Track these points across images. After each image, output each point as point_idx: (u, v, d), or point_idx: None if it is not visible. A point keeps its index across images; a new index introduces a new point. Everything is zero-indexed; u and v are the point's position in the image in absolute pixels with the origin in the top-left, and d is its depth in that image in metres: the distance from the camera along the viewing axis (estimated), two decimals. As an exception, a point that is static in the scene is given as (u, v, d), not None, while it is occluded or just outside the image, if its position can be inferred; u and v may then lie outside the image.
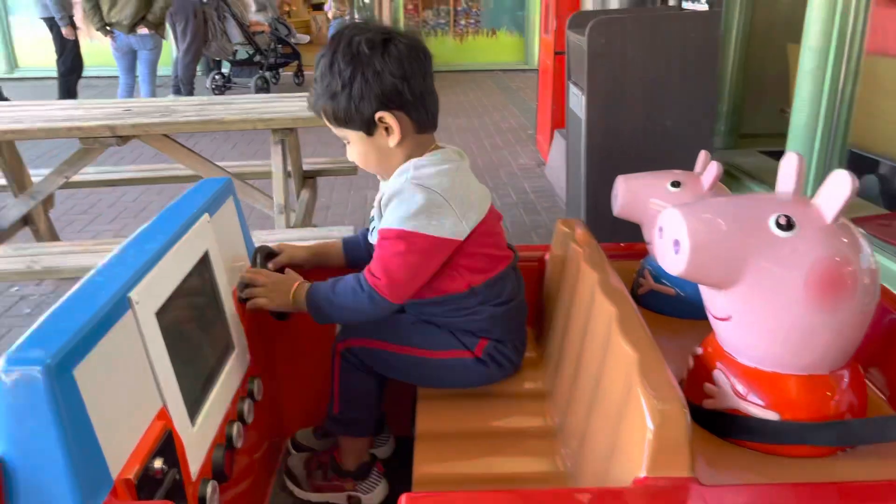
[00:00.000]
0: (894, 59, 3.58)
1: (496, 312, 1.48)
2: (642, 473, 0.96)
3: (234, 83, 8.96)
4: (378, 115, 1.36)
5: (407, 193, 1.37)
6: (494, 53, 10.27)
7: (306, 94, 3.73)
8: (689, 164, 4.01)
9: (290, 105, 3.34)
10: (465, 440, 1.41)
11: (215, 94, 8.30)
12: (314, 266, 1.71)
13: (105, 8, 5.99)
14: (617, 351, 1.11)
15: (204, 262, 1.41)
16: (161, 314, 1.18)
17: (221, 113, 3.18)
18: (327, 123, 1.44)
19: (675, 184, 1.41)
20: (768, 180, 3.88)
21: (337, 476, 1.67)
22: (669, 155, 3.70)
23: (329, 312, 1.47)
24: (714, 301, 1.05)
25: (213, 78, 8.64)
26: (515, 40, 10.30)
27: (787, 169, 1.06)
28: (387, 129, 1.39)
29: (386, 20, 9.85)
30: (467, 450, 1.38)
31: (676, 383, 1.00)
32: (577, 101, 3.93)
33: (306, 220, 3.58)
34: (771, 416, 1.04)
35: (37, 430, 0.90)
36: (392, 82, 1.34)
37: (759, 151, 4.50)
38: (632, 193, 1.42)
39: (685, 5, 4.06)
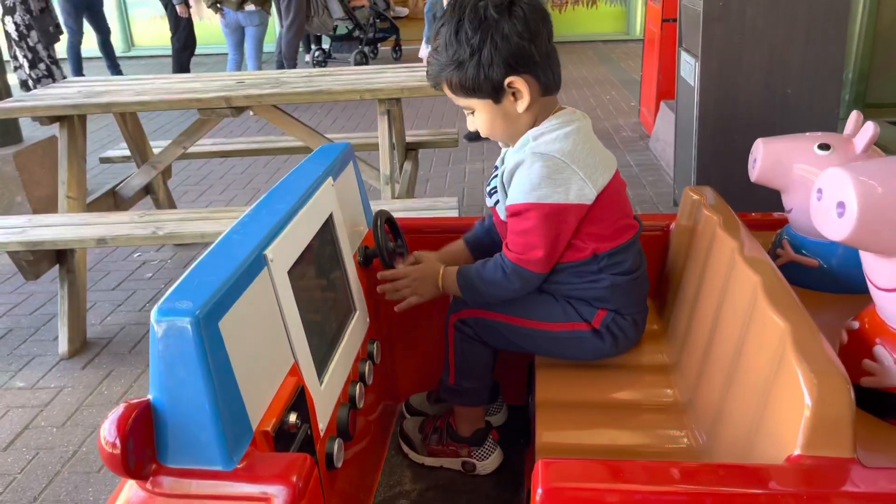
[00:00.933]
0: None
1: (617, 281, 1.43)
2: (797, 451, 0.90)
3: (334, 58, 9.11)
4: (508, 80, 1.33)
5: (527, 164, 1.34)
6: (594, 24, 9.99)
7: (407, 65, 3.73)
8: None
9: (396, 76, 3.34)
10: (587, 410, 1.38)
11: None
12: None
13: (215, -15, 6.19)
14: (764, 321, 1.04)
15: (328, 225, 1.43)
16: (292, 273, 1.20)
17: (329, 84, 3.22)
18: (450, 94, 1.41)
19: (824, 146, 1.31)
20: (900, 152, 3.60)
21: (452, 441, 1.67)
22: (790, 125, 3.50)
23: (483, 294, 1.47)
24: (879, 270, 0.97)
25: (315, 53, 8.82)
26: (616, 10, 9.98)
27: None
28: (514, 94, 1.35)
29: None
30: (590, 420, 1.35)
31: (835, 356, 0.93)
32: (689, 68, 3.76)
33: (409, 192, 3.60)
34: (941, 395, 0.96)
35: (185, 378, 0.93)
36: (520, 44, 1.31)
37: (888, 122, 4.19)
38: (774, 157, 1.33)
39: (811, -35, 3.79)
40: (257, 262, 1.09)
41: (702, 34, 3.41)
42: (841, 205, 0.91)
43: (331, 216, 1.44)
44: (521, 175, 1.35)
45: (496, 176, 1.48)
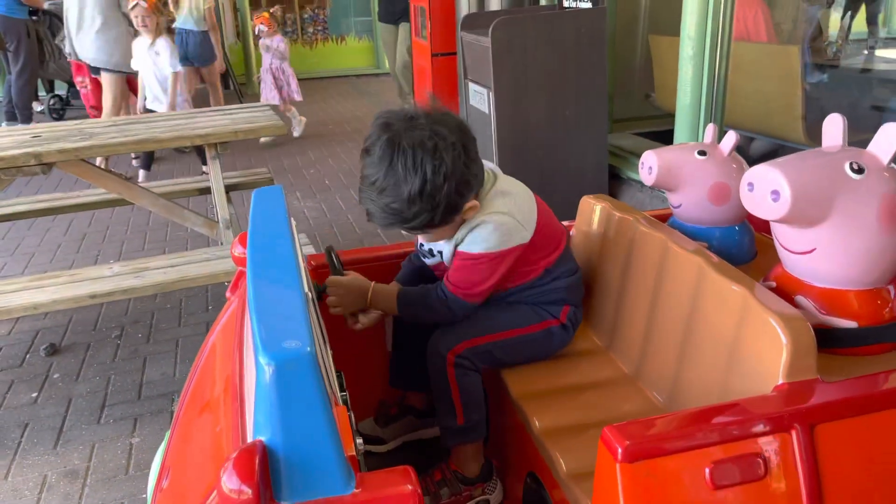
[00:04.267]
0: (754, 44, 4.15)
1: (571, 282, 1.67)
2: (780, 380, 1.18)
3: (72, 105, 8.36)
4: (466, 206, 1.48)
5: (483, 225, 1.51)
6: (345, 59, 10.34)
7: (220, 109, 3.64)
8: (587, 149, 4.27)
9: (218, 119, 3.29)
10: (558, 396, 1.57)
11: (54, 119, 7.73)
12: None
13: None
14: (720, 291, 1.33)
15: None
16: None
17: (151, 132, 3.08)
18: (410, 232, 1.52)
19: (702, 153, 1.67)
20: (653, 158, 4.32)
21: (468, 486, 1.69)
22: (570, 142, 4.03)
23: (421, 317, 1.64)
24: (797, 238, 1.29)
25: (49, 101, 8.03)
26: (364, 45, 10.43)
27: (831, 127, 1.33)
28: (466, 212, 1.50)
29: (229, 32, 9.58)
30: (564, 404, 1.54)
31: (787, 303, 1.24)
32: (480, 98, 4.15)
33: (241, 234, 3.53)
34: (851, 325, 1.30)
35: (305, 412, 0.95)
36: (465, 174, 1.42)
37: (633, 133, 4.99)
38: (667, 164, 1.65)
39: (567, 4, 4.41)
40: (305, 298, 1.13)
41: (492, 67, 3.80)
42: (775, 192, 1.22)
43: None
44: (475, 233, 1.52)
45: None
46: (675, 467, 1.07)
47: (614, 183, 4.33)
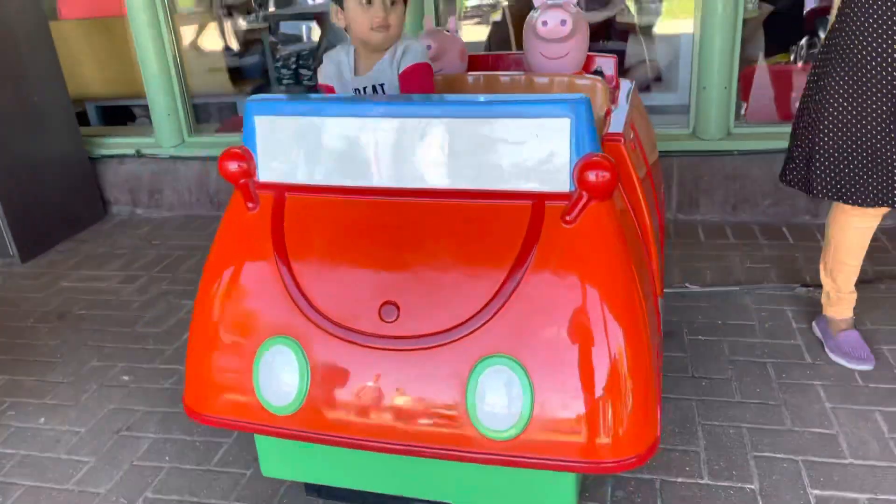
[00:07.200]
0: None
1: None
2: (607, 108, 2.35)
3: None
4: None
5: (411, 45, 2.02)
6: None
7: None
8: (63, 134, 4.11)
9: None
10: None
11: None
12: None
13: None
14: (548, 83, 2.37)
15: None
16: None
17: None
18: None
19: (447, 31, 2.56)
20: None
21: None
22: (47, 131, 3.83)
23: None
24: (559, 49, 2.36)
25: None
26: None
27: (546, -6, 2.48)
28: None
29: None
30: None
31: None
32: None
33: None
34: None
35: (593, 132, 1.63)
36: None
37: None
38: (440, 42, 2.46)
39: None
40: None
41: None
42: (564, 21, 2.30)
43: None
44: (413, 50, 2.00)
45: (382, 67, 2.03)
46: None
47: (95, 163, 4.28)
